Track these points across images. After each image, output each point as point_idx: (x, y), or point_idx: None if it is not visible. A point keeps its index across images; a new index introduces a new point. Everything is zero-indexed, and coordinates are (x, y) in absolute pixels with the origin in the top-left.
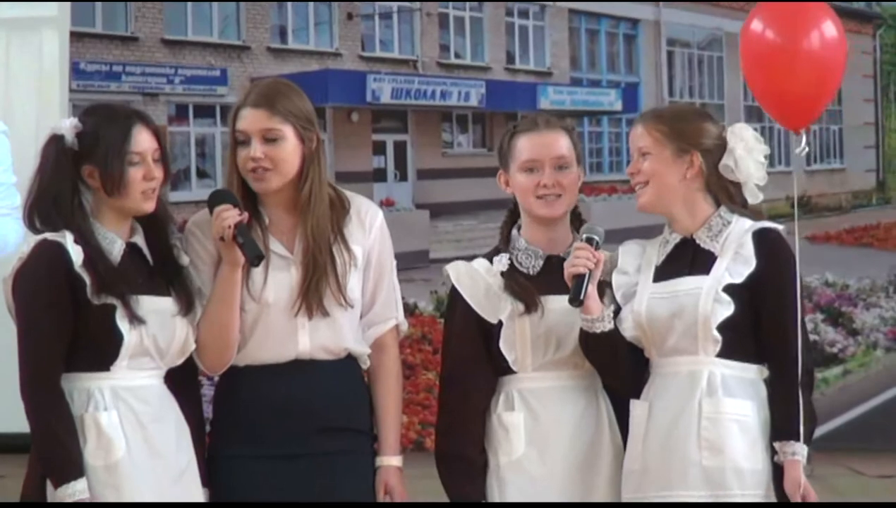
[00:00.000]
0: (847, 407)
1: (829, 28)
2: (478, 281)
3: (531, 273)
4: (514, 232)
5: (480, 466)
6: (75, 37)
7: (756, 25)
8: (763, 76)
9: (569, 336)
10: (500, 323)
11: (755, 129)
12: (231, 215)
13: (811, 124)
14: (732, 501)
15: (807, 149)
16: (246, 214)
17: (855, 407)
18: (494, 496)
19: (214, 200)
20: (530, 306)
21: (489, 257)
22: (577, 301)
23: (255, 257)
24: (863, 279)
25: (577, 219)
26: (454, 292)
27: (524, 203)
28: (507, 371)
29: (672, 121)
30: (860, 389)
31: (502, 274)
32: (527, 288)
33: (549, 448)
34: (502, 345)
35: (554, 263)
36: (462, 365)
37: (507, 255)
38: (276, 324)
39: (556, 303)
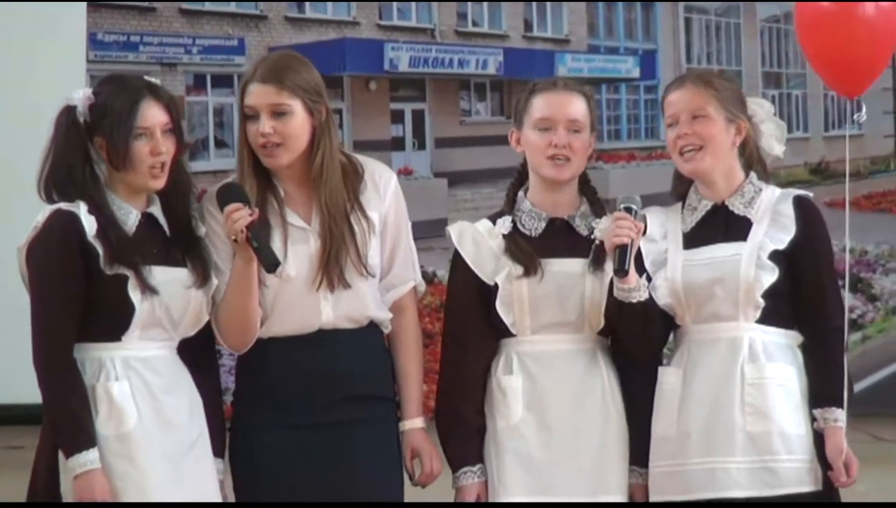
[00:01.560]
0: (866, 373)
1: None
2: (479, 242)
3: (533, 235)
4: (521, 194)
5: (477, 428)
6: (92, 7)
7: None
8: (819, 42)
9: (569, 299)
10: (497, 285)
11: (773, 96)
12: (242, 216)
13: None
14: (780, 465)
15: (864, 116)
16: (257, 212)
17: (874, 372)
18: (492, 459)
19: (224, 198)
20: (529, 269)
21: (493, 219)
22: (622, 271)
23: (273, 265)
24: (881, 244)
25: (585, 185)
26: (456, 254)
27: (533, 162)
28: (507, 333)
29: (722, 86)
30: (879, 355)
31: (504, 236)
32: (527, 250)
33: (547, 413)
34: (499, 307)
35: (557, 226)
36: (461, 326)
37: (511, 218)
38: (298, 297)
39: (557, 266)
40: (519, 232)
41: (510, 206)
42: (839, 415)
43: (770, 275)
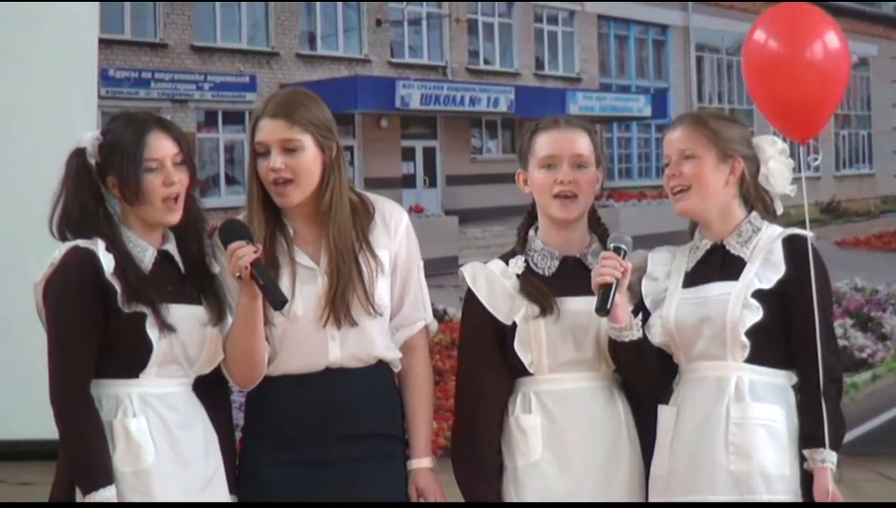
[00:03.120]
0: (876, 412)
1: (832, 38)
2: (493, 282)
3: (547, 274)
4: (531, 233)
5: (495, 467)
6: (104, 43)
7: (759, 35)
8: (765, 86)
9: (585, 337)
10: (515, 324)
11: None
12: (246, 253)
13: (816, 135)
14: (760, 502)
15: (819, 158)
16: (261, 249)
17: (884, 412)
18: (511, 498)
19: (227, 235)
20: (545, 308)
21: (505, 259)
22: (603, 310)
23: (280, 303)
24: (892, 284)
25: (595, 222)
26: (469, 293)
27: (541, 201)
28: (524, 372)
29: (715, 126)
30: (889, 394)
31: (518, 276)
32: (542, 290)
33: (566, 451)
34: (517, 347)
35: (570, 264)
36: (477, 365)
37: (523, 257)
38: (305, 336)
39: (572, 305)
40: (532, 271)
41: (522, 246)
42: (826, 456)
43: (754, 315)
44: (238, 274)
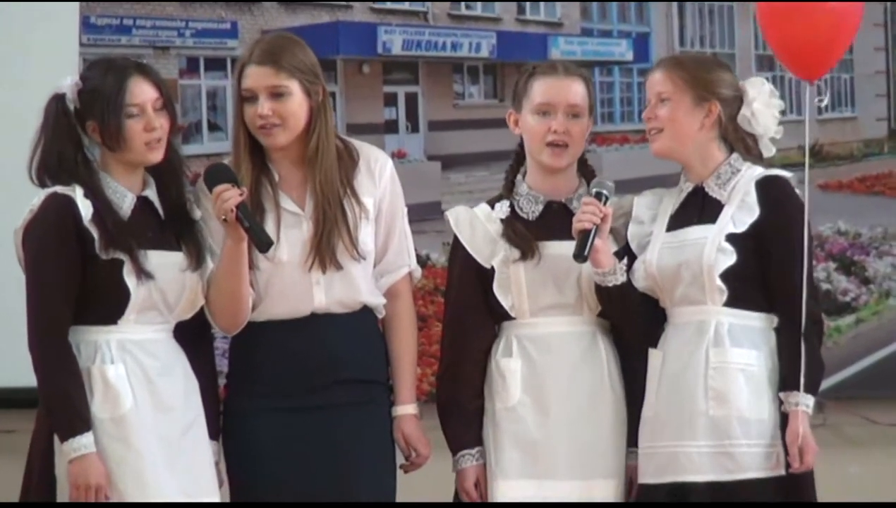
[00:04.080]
0: (860, 356)
1: None
2: (476, 226)
3: (530, 218)
4: (519, 177)
5: (475, 411)
6: None
7: None
8: (778, 25)
9: (566, 281)
10: (493, 268)
11: (766, 78)
12: (232, 196)
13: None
14: (737, 451)
15: (826, 99)
16: (246, 191)
17: (868, 355)
18: (489, 441)
19: (212, 179)
20: (526, 253)
21: (491, 203)
22: (581, 257)
23: (266, 245)
24: (875, 227)
25: (584, 166)
26: (455, 238)
27: (532, 147)
28: (507, 316)
29: (693, 69)
30: (873, 338)
31: (502, 220)
32: (523, 234)
33: (544, 396)
34: (496, 290)
35: (554, 209)
36: (461, 310)
37: (508, 202)
38: (290, 281)
39: (554, 249)
40: (517, 215)
41: (508, 190)
42: (801, 399)
43: (728, 259)
44: (223, 216)
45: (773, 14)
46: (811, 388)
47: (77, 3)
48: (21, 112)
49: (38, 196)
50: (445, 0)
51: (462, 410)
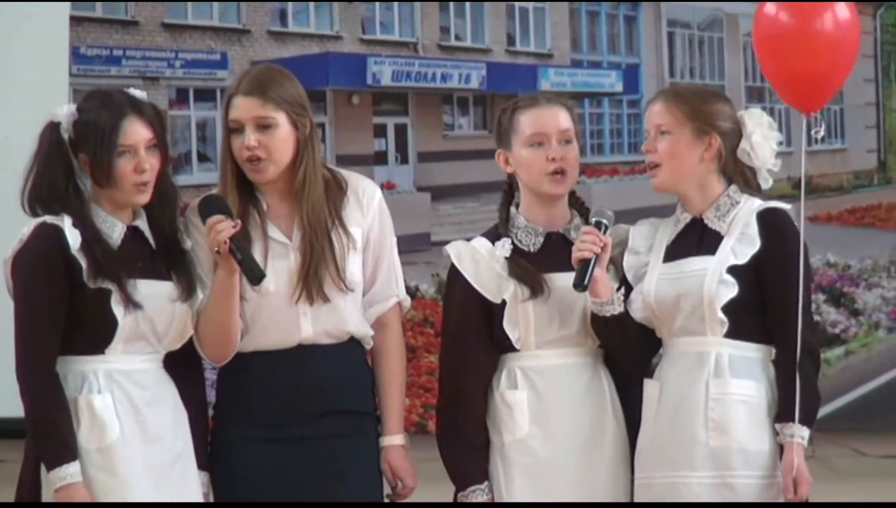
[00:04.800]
0: (849, 388)
1: (842, 10)
2: (479, 261)
3: (532, 250)
4: (513, 210)
5: (481, 443)
6: (75, 21)
7: (769, 8)
8: (776, 59)
9: (571, 313)
10: (504, 302)
11: None
12: (225, 228)
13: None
14: (738, 482)
15: (822, 131)
16: (239, 223)
17: (857, 387)
18: (499, 474)
19: (205, 210)
20: (536, 290)
21: (490, 237)
22: (581, 286)
23: (258, 278)
24: (864, 259)
25: (572, 197)
26: (453, 271)
27: (531, 179)
28: (510, 348)
29: (692, 101)
30: (862, 370)
31: (506, 258)
32: (531, 271)
33: (552, 427)
34: (506, 325)
35: (554, 240)
36: (462, 342)
37: (510, 240)
38: (278, 312)
39: (559, 281)
40: (519, 251)
41: (505, 225)
42: (796, 431)
43: (729, 291)
44: (216, 248)
45: (771, 46)
46: (806, 420)
47: (66, 32)
48: (9, 137)
49: (27, 225)
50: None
51: (469, 443)
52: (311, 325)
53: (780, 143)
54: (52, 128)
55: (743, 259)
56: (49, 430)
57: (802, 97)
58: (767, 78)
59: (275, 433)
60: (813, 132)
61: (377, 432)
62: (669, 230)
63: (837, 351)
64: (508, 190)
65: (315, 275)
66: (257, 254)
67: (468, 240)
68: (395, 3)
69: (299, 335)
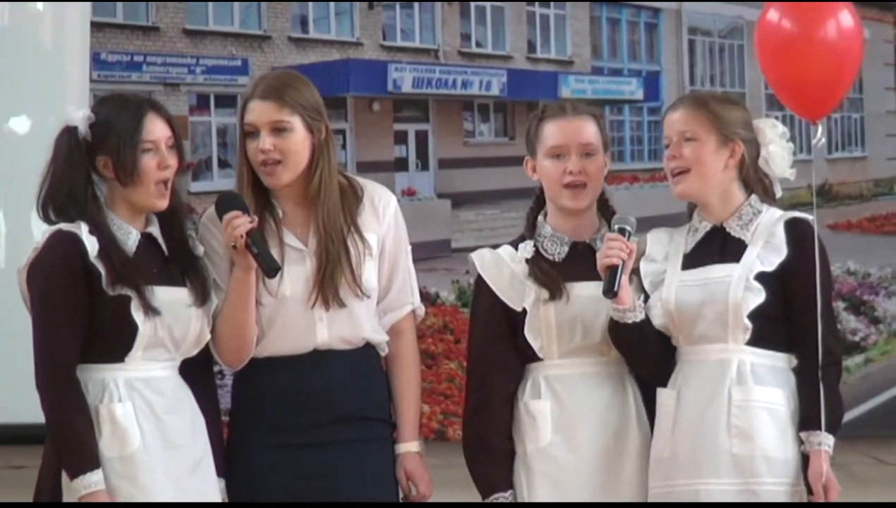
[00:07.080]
0: (869, 396)
1: (846, 17)
2: (502, 268)
3: (556, 259)
4: (540, 218)
5: (506, 453)
6: (96, 27)
7: (772, 15)
8: (779, 66)
9: (595, 322)
10: (525, 310)
11: (776, 117)
12: (242, 223)
13: (829, 114)
14: (762, 489)
15: (823, 139)
16: (256, 219)
17: (877, 395)
18: (522, 483)
19: (223, 206)
20: (554, 292)
21: (514, 244)
22: (611, 292)
23: (273, 270)
24: (884, 267)
25: (604, 206)
26: (479, 280)
27: (550, 192)
28: (534, 358)
29: (717, 108)
30: (882, 377)
31: (527, 261)
32: (551, 274)
33: (575, 436)
34: (527, 332)
35: (580, 250)
36: (487, 352)
37: (532, 243)
38: (293, 317)
39: (582, 290)
40: (542, 256)
41: (531, 231)
42: (823, 439)
43: (756, 298)
44: (233, 243)
45: (773, 54)
46: (832, 428)
47: (87, 38)
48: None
49: (42, 233)
50: (456, 38)
51: (494, 452)
52: (327, 331)
53: (801, 150)
54: (69, 132)
55: (770, 267)
56: (72, 438)
57: (807, 105)
58: (771, 85)
59: (289, 438)
60: (814, 141)
61: (392, 439)
62: (686, 238)
63: (857, 358)
64: (539, 197)
65: (331, 280)
66: None
67: (493, 248)
68: (416, 11)
69: (315, 340)
